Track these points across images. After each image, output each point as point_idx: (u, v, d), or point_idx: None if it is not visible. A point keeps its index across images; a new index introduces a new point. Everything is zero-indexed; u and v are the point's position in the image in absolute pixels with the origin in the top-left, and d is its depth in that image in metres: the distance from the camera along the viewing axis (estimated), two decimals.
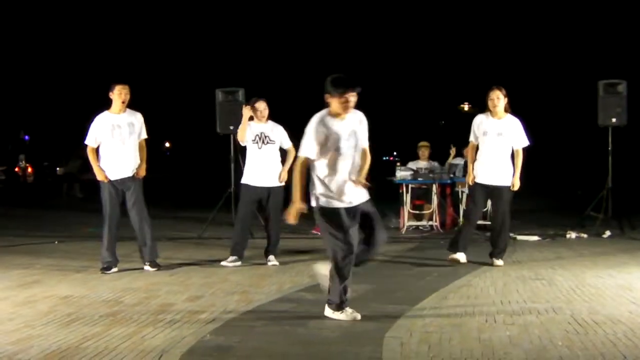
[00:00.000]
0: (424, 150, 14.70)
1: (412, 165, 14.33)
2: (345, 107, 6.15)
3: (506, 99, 9.35)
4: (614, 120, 13.51)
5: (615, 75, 14.25)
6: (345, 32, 28.22)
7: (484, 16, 27.03)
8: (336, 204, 6.19)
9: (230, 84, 13.80)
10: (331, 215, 6.18)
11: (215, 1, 27.72)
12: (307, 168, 6.22)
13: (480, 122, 9.49)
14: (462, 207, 13.64)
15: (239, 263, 9.47)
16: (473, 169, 9.58)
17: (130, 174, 9.05)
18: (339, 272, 6.20)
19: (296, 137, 12.18)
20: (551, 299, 7.10)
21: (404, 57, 29.45)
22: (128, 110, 9.15)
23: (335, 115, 6.19)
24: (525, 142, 9.41)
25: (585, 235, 12.55)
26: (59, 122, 36.02)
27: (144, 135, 9.25)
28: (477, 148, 9.59)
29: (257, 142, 9.57)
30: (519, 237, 12.23)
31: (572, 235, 12.54)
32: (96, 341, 5.59)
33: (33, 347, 5.43)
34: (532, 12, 26.34)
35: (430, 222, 13.89)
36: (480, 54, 26.92)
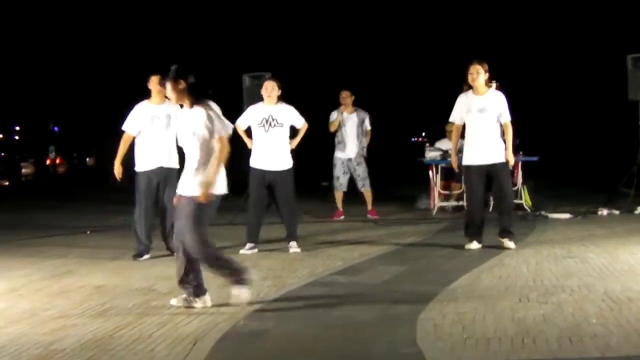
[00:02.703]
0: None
1: (440, 145, 14.25)
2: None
3: (487, 74, 8.98)
4: None
5: None
6: (371, 12, 28.13)
7: None
8: None
9: (257, 69, 13.73)
10: None
11: None
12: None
13: (463, 101, 9.13)
14: None
15: (255, 250, 9.34)
16: (457, 152, 9.30)
17: (166, 165, 9.06)
18: None
19: (317, 118, 12.13)
20: (584, 277, 7.06)
21: (429, 38, 29.30)
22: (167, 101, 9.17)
23: None
24: (508, 117, 9.00)
25: (616, 212, 12.45)
26: (89, 113, 36.21)
27: None
28: (462, 129, 9.22)
29: (263, 125, 9.32)
30: (550, 216, 12.17)
31: (604, 212, 12.43)
32: (130, 329, 5.64)
33: (68, 336, 5.48)
34: None
35: (460, 202, 13.83)
36: (506, 30, 26.64)
